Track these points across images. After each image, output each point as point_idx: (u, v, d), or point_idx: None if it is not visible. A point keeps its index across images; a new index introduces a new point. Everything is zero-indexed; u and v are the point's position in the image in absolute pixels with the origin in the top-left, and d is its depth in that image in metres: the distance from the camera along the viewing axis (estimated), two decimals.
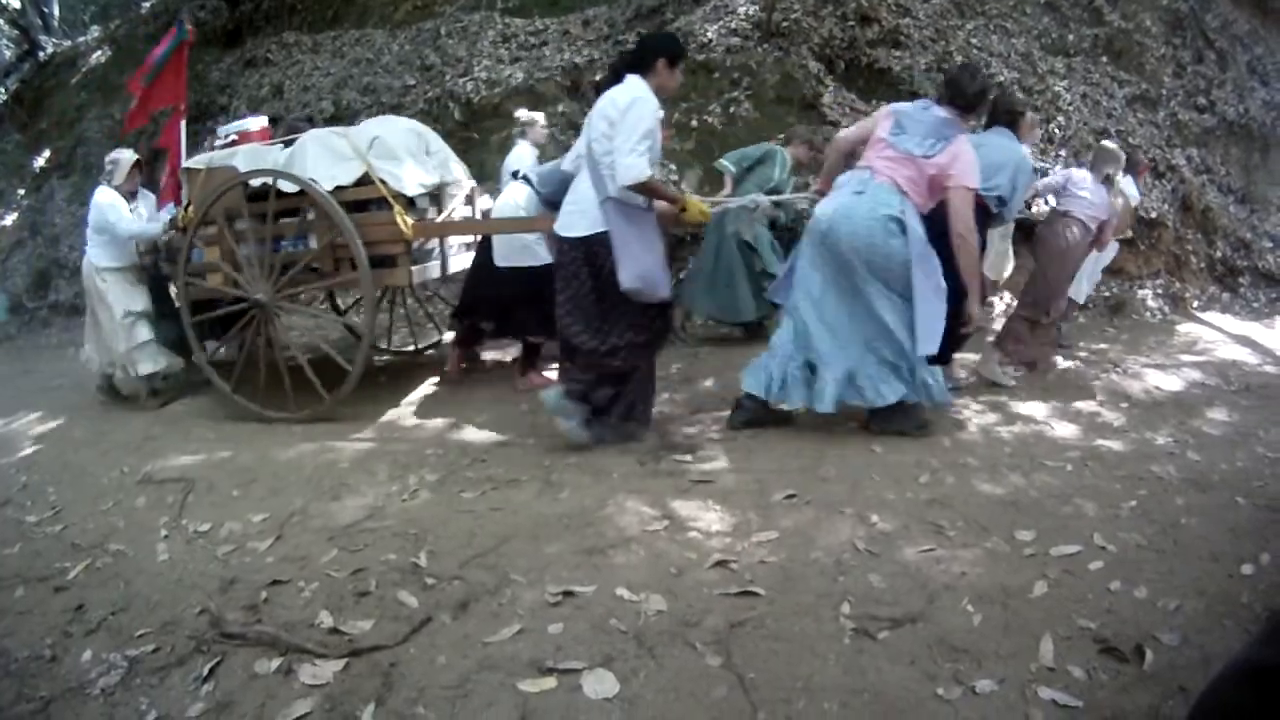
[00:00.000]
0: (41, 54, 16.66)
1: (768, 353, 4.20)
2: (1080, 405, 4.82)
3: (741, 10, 9.96)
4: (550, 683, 2.21)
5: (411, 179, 5.03)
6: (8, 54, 18.17)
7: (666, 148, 8.75)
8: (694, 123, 8.62)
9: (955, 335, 4.36)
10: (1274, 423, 4.46)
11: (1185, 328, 7.41)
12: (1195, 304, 8.61)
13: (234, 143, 5.59)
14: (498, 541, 3.07)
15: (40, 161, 14.08)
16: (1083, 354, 6.31)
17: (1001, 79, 9.59)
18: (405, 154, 5.10)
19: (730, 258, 6.36)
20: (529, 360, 5.55)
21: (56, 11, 18.64)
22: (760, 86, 9.01)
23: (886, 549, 2.92)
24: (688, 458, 3.96)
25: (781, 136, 7.40)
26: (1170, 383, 5.44)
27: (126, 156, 5.98)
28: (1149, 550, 2.90)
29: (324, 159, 4.90)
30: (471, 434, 4.49)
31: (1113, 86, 10.22)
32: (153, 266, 6.07)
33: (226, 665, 2.41)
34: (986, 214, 4.48)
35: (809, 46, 9.43)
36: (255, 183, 4.97)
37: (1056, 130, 9.15)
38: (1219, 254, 9.40)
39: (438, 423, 4.76)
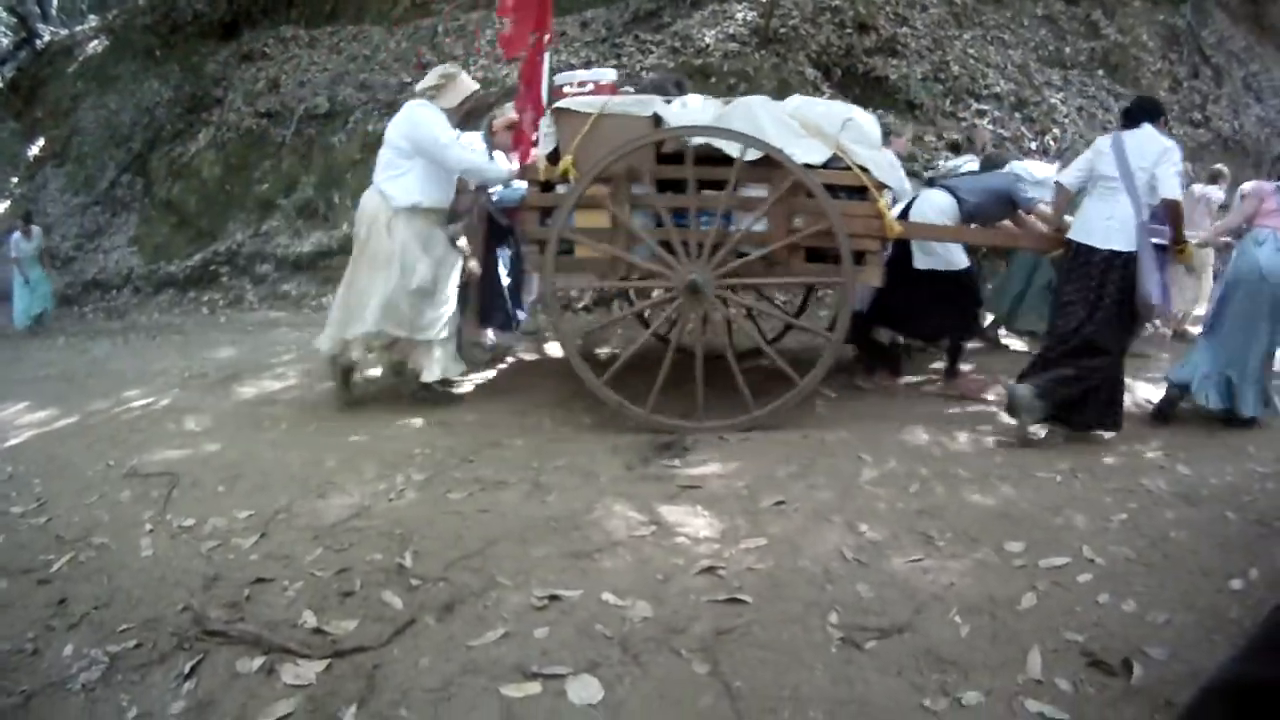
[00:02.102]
0: (39, 42, 16.65)
1: (1199, 360, 4.81)
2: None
3: (740, 16, 9.99)
4: (534, 688, 2.19)
5: (889, 170, 4.49)
6: (5, 41, 18.12)
7: None
8: None
9: None
10: (1264, 437, 4.47)
11: (1178, 341, 7.41)
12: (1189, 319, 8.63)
13: (590, 93, 4.69)
14: (484, 543, 3.05)
15: (34, 150, 14.06)
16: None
17: (998, 90, 9.61)
18: (878, 140, 4.54)
19: (1045, 273, 6.41)
20: (954, 363, 5.43)
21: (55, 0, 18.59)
22: (757, 92, 8.99)
23: (875, 558, 2.91)
24: (676, 462, 3.95)
25: None
26: (1161, 396, 5.44)
27: (466, 76, 4.76)
28: (1138, 564, 2.90)
29: (780, 130, 4.27)
30: (460, 434, 4.46)
31: (1109, 99, 10.27)
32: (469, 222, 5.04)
33: (208, 663, 2.39)
34: None
35: (806, 53, 9.45)
36: (695, 141, 4.27)
37: (1052, 142, 9.18)
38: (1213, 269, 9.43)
39: (425, 421, 4.73)
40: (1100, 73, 10.64)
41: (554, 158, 4.53)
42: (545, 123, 4.62)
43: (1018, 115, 9.57)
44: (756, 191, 4.36)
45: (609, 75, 4.92)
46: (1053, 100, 9.78)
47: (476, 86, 4.77)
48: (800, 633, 2.44)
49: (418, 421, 4.71)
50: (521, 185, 4.91)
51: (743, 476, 3.72)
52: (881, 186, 4.37)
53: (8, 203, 13.35)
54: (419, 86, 4.74)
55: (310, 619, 2.58)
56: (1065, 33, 10.96)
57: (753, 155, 4.20)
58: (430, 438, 4.39)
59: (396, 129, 4.63)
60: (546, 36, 4.88)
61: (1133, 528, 3.19)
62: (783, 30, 9.61)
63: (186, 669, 2.35)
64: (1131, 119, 4.48)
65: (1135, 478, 3.76)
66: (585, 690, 2.18)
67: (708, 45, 9.55)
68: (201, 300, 10.41)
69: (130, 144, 12.62)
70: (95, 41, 15.53)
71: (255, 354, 7.12)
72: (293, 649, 2.40)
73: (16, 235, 10.58)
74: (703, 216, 4.42)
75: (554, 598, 2.64)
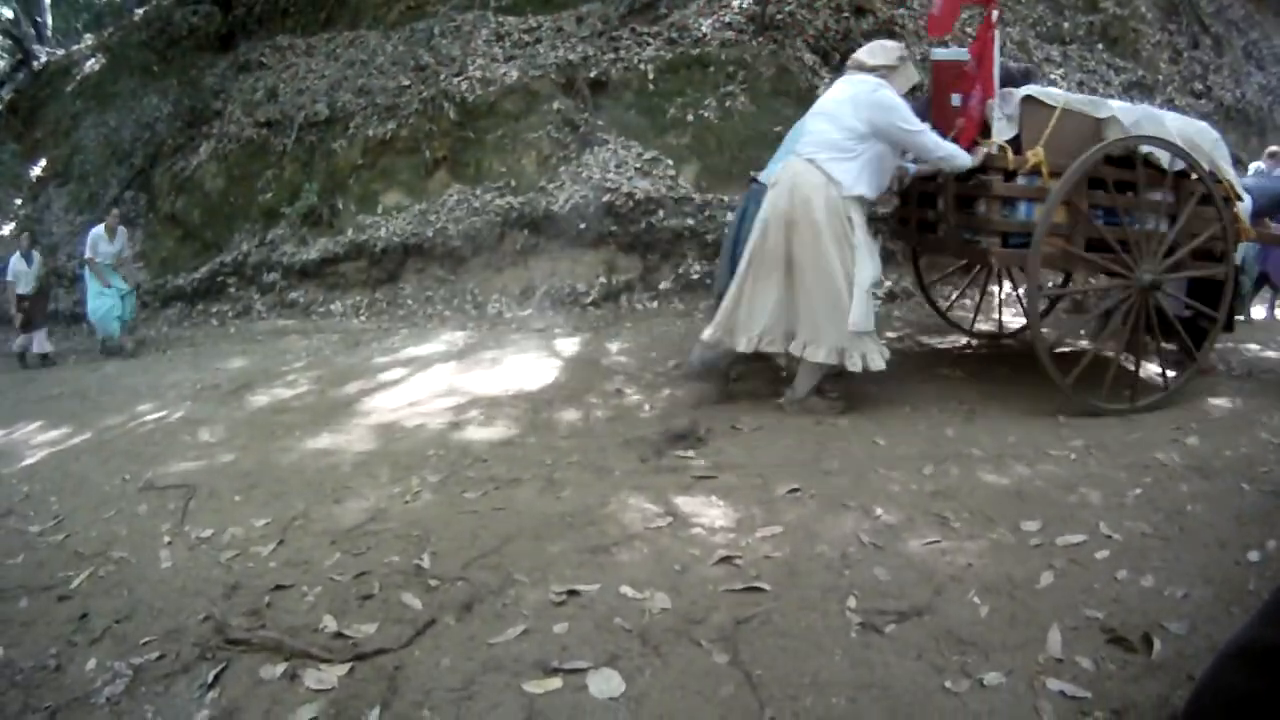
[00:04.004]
0: (36, 63, 16.67)
1: None
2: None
3: (736, 3, 9.95)
4: (556, 683, 2.20)
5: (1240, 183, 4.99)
6: (1, 63, 18.17)
7: (665, 143, 8.74)
8: (689, 117, 8.60)
9: None
10: (1277, 408, 4.45)
11: None
12: None
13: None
14: (500, 541, 3.06)
15: (37, 171, 14.09)
16: (1084, 342, 6.29)
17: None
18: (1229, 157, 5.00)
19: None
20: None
21: (50, 20, 18.65)
22: (755, 80, 9.00)
23: (891, 542, 2.91)
24: (690, 453, 3.95)
25: None
26: (1172, 368, 5.41)
27: (911, 64, 4.45)
28: (1155, 538, 2.89)
29: (1188, 143, 4.62)
30: (473, 433, 4.48)
31: (1109, 73, 10.22)
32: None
33: (231, 671, 2.40)
34: None
35: (804, 38, 9.42)
36: (1145, 149, 4.47)
37: None
38: None
39: (439, 423, 4.74)
40: (1100, 46, 10.58)
41: (1013, 146, 4.48)
42: (1002, 108, 4.50)
43: None
44: (1158, 195, 4.66)
45: (964, 54, 4.94)
46: (1053, 76, 9.71)
47: (920, 78, 4.56)
48: (819, 619, 2.44)
49: (430, 423, 4.72)
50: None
51: (756, 465, 3.73)
52: (1239, 198, 4.86)
53: (13, 224, 13.38)
54: (870, 60, 4.32)
55: (331, 623, 2.59)
56: (1063, 7, 10.90)
57: (1173, 164, 4.56)
58: (443, 438, 4.41)
59: (856, 107, 4.18)
60: (996, 12, 4.53)
61: (1148, 502, 3.18)
62: (779, 16, 9.58)
63: (210, 678, 2.36)
64: None
65: (1149, 452, 3.74)
66: (606, 684, 2.18)
67: (705, 34, 9.52)
68: (210, 312, 10.43)
69: (132, 160, 12.64)
70: (92, 60, 15.55)
71: (266, 363, 7.15)
72: (314, 654, 2.41)
73: (98, 231, 9.24)
74: (1130, 218, 4.62)
75: (572, 593, 2.64)
